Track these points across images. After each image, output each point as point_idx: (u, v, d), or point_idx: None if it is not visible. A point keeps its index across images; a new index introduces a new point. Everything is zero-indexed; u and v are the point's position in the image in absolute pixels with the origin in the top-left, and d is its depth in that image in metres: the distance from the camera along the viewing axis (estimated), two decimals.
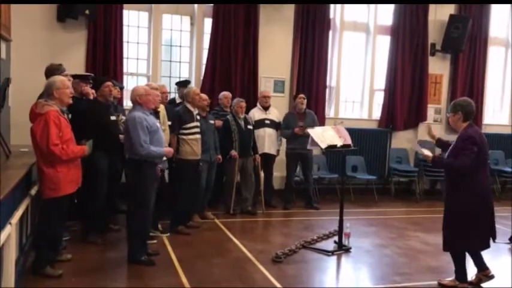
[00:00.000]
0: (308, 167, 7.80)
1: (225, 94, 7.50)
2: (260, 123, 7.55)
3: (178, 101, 7.20)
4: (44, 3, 7.21)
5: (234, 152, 6.92)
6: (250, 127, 7.18)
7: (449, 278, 4.78)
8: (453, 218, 4.60)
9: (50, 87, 4.35)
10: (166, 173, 5.81)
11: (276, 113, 7.82)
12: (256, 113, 7.65)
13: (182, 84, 7.25)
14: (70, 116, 4.86)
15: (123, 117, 5.92)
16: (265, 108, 7.68)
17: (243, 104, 7.14)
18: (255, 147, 7.28)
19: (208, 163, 6.53)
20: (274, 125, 7.67)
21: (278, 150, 7.80)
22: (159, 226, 5.92)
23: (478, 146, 4.48)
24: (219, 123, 7.09)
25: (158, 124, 5.08)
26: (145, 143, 4.74)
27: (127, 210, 5.86)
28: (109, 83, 5.63)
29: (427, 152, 4.79)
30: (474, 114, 4.69)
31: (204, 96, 6.58)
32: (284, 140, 7.84)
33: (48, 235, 4.44)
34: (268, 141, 7.56)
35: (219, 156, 6.75)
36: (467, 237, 4.54)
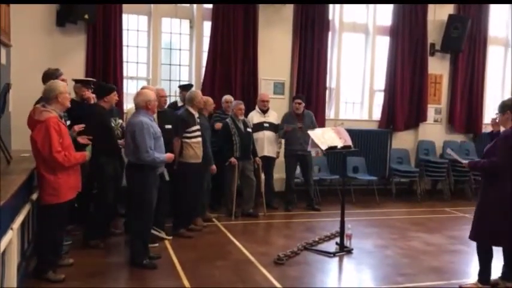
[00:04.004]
0: (307, 169, 7.80)
1: (227, 99, 7.50)
2: (259, 126, 7.55)
3: (180, 104, 7.20)
4: (44, 3, 7.22)
5: (233, 159, 6.91)
6: (249, 130, 7.17)
7: (472, 281, 4.73)
8: (479, 209, 4.59)
9: (52, 92, 4.33)
10: (165, 171, 5.70)
11: (275, 115, 7.82)
12: (255, 116, 7.65)
13: (185, 88, 7.24)
14: (69, 122, 4.88)
15: (120, 121, 5.94)
16: (264, 111, 7.69)
17: (242, 107, 7.12)
18: (255, 150, 7.28)
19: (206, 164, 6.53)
20: (273, 127, 7.67)
21: (278, 153, 7.80)
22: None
23: None
24: (218, 126, 7.11)
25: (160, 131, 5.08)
26: (150, 149, 4.75)
27: (126, 214, 5.90)
28: (115, 92, 5.68)
29: (465, 161, 4.91)
30: None
31: (211, 101, 6.67)
32: (284, 141, 7.84)
33: (50, 240, 4.45)
34: (267, 144, 7.56)
35: (214, 167, 6.66)
36: (495, 232, 4.45)
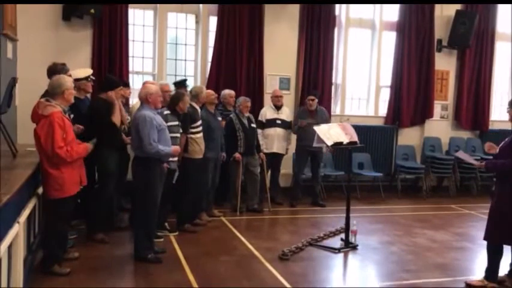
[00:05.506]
0: (317, 165, 7.79)
1: (230, 93, 7.40)
2: (271, 123, 7.57)
3: None
4: (49, 3, 7.23)
5: (238, 155, 6.90)
6: (253, 126, 7.16)
7: (478, 278, 4.70)
8: (496, 210, 4.55)
9: (59, 87, 4.34)
10: (176, 174, 5.78)
11: (287, 112, 7.83)
12: (268, 112, 7.68)
13: (181, 85, 7.16)
14: (72, 115, 4.89)
15: (128, 117, 5.94)
16: (278, 107, 7.68)
17: (249, 104, 7.12)
18: (259, 146, 7.28)
19: (215, 161, 6.54)
20: (284, 124, 7.67)
21: (287, 149, 7.80)
22: (166, 225, 5.92)
23: None
24: (222, 123, 7.09)
25: (165, 123, 5.09)
26: (154, 142, 4.77)
27: (132, 208, 5.91)
28: (121, 87, 5.67)
29: (478, 163, 4.88)
30: None
31: (210, 92, 6.63)
32: (294, 137, 7.82)
33: (55, 235, 4.47)
34: (277, 141, 7.58)
35: (223, 154, 6.74)
36: (504, 230, 4.44)
